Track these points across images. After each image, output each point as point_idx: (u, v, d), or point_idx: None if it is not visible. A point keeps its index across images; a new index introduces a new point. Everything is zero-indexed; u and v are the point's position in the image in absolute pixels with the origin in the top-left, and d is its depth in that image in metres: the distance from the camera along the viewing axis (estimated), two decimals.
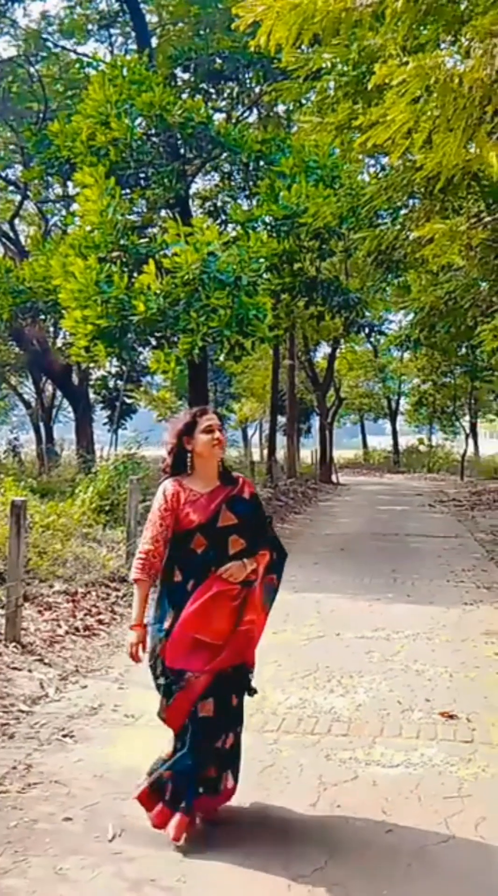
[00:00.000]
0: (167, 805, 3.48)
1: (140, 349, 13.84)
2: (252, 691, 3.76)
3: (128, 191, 13.34)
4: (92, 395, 23.72)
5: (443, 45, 7.31)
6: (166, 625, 3.51)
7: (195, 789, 3.49)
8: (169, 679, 3.50)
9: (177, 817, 3.44)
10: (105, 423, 25.99)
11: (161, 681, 3.53)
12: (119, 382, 21.79)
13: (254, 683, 3.76)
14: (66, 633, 6.83)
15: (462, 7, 6.67)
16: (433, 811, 3.79)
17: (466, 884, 3.21)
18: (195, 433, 3.63)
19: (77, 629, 6.98)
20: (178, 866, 3.31)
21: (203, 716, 3.49)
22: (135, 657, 3.59)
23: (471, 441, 35.77)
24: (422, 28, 7.00)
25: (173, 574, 3.57)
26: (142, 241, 12.81)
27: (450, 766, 4.29)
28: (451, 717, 5.02)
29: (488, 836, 3.56)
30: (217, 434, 3.64)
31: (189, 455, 3.66)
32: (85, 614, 7.41)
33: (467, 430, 35.43)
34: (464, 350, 20.72)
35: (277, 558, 3.72)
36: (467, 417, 35.68)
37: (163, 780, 3.51)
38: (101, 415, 25.49)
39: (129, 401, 25.42)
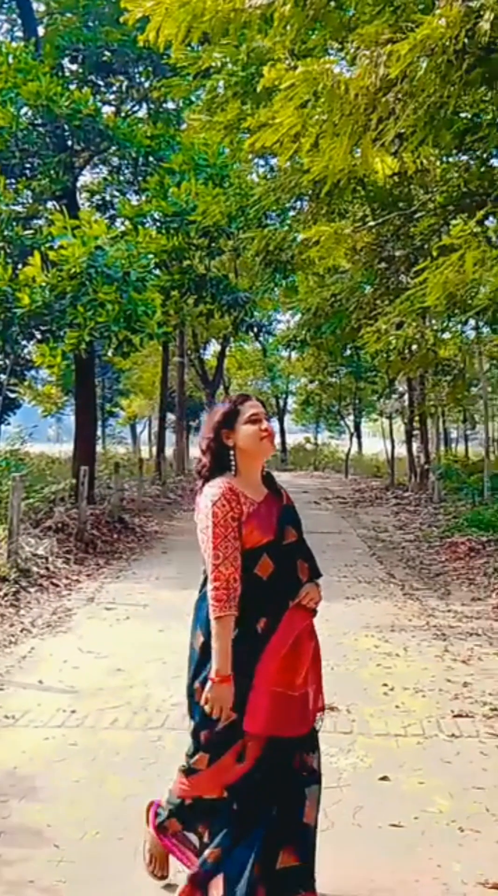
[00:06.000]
0: None
1: (24, 343, 13.52)
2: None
3: (13, 181, 13.00)
4: None
5: (331, 52, 7.48)
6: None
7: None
8: (221, 732, 2.77)
9: None
10: None
11: (205, 732, 2.82)
12: (2, 376, 21.22)
13: None
14: None
15: (349, 15, 6.83)
16: None
17: (344, 871, 3.29)
18: (237, 425, 2.94)
19: None
20: (58, 867, 3.26)
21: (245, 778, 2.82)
22: (219, 714, 2.73)
23: (355, 440, 36.68)
24: (310, 33, 7.13)
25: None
26: (27, 232, 12.51)
27: (330, 757, 4.37)
28: (331, 708, 5.12)
29: (365, 824, 3.67)
30: (265, 424, 2.97)
31: (231, 453, 2.95)
32: None
33: (352, 429, 36.33)
34: (349, 351, 21.21)
35: None
36: (352, 417, 36.57)
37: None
38: None
39: (12, 395, 24.75)
